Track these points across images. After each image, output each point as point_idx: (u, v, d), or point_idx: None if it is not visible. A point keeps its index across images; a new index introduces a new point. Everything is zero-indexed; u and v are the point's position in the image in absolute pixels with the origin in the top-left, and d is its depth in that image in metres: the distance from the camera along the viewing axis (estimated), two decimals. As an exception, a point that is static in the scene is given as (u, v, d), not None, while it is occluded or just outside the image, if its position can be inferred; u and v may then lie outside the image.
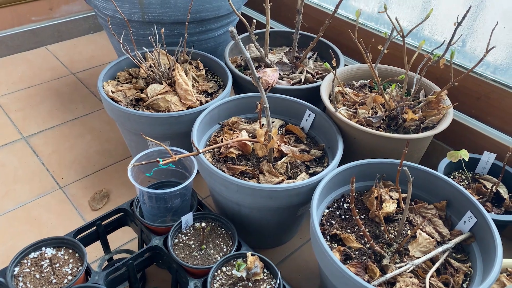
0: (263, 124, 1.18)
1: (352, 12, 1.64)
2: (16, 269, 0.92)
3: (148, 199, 1.05)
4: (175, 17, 1.42)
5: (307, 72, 1.45)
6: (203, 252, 1.00)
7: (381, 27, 1.56)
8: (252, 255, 0.93)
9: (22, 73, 1.96)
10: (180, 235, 1.03)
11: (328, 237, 0.98)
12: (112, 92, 1.33)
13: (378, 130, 1.17)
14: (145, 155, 1.09)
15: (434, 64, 1.15)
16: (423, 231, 0.97)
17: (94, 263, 1.19)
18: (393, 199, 1.04)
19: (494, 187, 1.17)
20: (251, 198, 1.03)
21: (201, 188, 1.45)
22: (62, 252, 0.96)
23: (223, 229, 1.06)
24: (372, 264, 0.89)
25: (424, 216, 1.02)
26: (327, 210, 1.04)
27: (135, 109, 1.28)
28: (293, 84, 1.40)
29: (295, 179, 1.10)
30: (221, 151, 1.16)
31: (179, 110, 1.27)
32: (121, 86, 1.37)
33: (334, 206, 1.05)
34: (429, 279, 0.87)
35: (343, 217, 1.03)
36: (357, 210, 1.04)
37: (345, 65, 1.47)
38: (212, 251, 1.00)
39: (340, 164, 1.08)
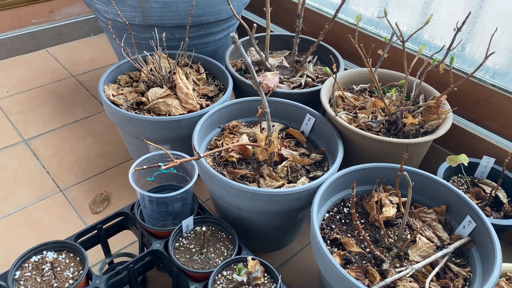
0: (263, 128, 1.18)
1: (352, 16, 1.65)
2: (17, 273, 0.92)
3: (149, 203, 1.06)
4: (176, 21, 1.42)
5: (307, 76, 1.45)
6: (203, 256, 1.00)
7: (381, 31, 1.57)
8: (253, 259, 0.94)
9: (23, 75, 1.96)
10: (180, 239, 1.03)
11: (328, 241, 0.98)
12: (113, 95, 1.33)
13: (378, 134, 1.17)
14: (146, 159, 1.10)
15: (433, 69, 1.15)
16: (422, 236, 0.98)
17: (95, 267, 1.19)
18: (393, 204, 1.04)
19: (493, 191, 1.17)
20: (251, 202, 1.04)
21: (201, 192, 1.46)
22: (63, 256, 0.96)
23: (223, 233, 1.06)
24: (372, 269, 0.90)
25: (424, 220, 1.02)
26: (327, 214, 1.04)
27: (136, 113, 1.29)
28: (293, 88, 1.40)
29: (296, 183, 1.11)
30: (221, 155, 1.17)
31: (180, 114, 1.27)
32: (122, 90, 1.37)
33: (334, 210, 1.05)
34: (429, 284, 0.88)
35: (343, 221, 1.03)
36: (357, 215, 1.05)
37: (345, 69, 1.47)
38: (212, 255, 1.01)
39: (340, 168, 1.09)
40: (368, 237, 0.99)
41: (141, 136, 1.26)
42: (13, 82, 1.91)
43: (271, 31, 1.48)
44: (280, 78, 1.44)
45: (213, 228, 1.07)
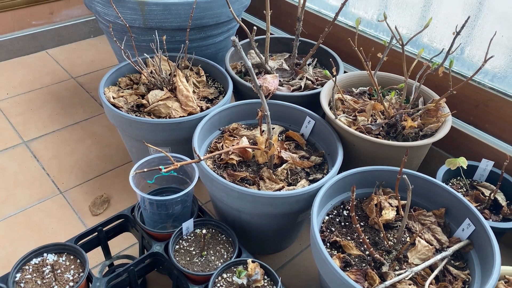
0: (263, 131, 1.19)
1: (352, 19, 1.65)
2: (18, 275, 0.92)
3: (149, 205, 1.06)
4: (176, 23, 1.43)
5: (307, 78, 1.46)
6: (203, 258, 1.00)
7: (381, 34, 1.58)
8: (253, 262, 0.94)
9: (23, 77, 1.96)
10: (181, 241, 1.04)
11: (328, 244, 0.99)
12: (114, 98, 1.34)
13: (377, 137, 1.18)
14: (146, 162, 1.10)
15: (433, 72, 1.16)
16: (422, 238, 0.98)
17: (95, 269, 1.19)
18: (392, 207, 1.05)
19: (492, 194, 1.18)
20: (251, 205, 1.04)
21: (201, 194, 1.46)
22: (64, 258, 0.96)
23: (223, 236, 1.06)
24: (372, 271, 0.90)
25: (423, 223, 1.03)
26: (327, 217, 1.05)
27: (136, 115, 1.29)
28: (293, 90, 1.41)
29: (295, 185, 1.11)
30: (221, 157, 1.17)
31: (180, 116, 1.28)
32: (122, 92, 1.38)
33: (334, 213, 1.06)
34: (428, 286, 0.88)
35: (343, 224, 1.04)
36: (356, 217, 1.05)
37: (345, 71, 1.48)
38: (212, 257, 1.01)
39: (339, 171, 1.09)
40: (368, 240, 1.00)
41: (142, 138, 1.26)
42: (13, 84, 1.91)
43: (271, 34, 1.49)
44: (280, 80, 1.44)
45: (213, 230, 1.07)
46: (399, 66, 1.28)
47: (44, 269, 0.93)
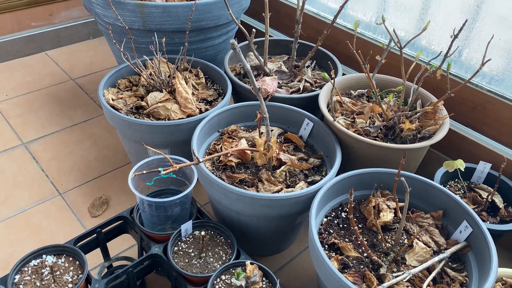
0: (262, 133, 1.19)
1: (350, 22, 1.66)
2: (17, 277, 0.92)
3: (148, 207, 1.06)
4: (175, 25, 1.43)
5: (306, 81, 1.46)
6: (202, 260, 1.01)
7: (379, 37, 1.58)
8: (251, 263, 0.94)
9: (22, 78, 1.97)
10: (179, 243, 1.04)
11: (326, 246, 0.99)
12: (113, 99, 1.34)
13: (375, 139, 1.18)
14: (145, 164, 1.10)
15: (431, 75, 1.17)
16: (419, 240, 0.99)
17: (94, 270, 1.19)
18: (390, 209, 1.05)
19: (490, 196, 1.19)
20: (250, 207, 1.05)
21: (200, 195, 1.46)
22: (63, 260, 0.97)
23: (222, 238, 1.07)
24: (370, 273, 0.91)
25: (421, 225, 1.03)
26: (325, 219, 1.05)
27: (135, 117, 1.30)
28: (291, 92, 1.41)
29: (294, 187, 1.11)
30: (220, 159, 1.18)
31: (179, 118, 1.28)
32: (122, 94, 1.38)
33: (332, 215, 1.06)
34: (426, 288, 0.89)
35: (341, 226, 1.04)
36: (354, 219, 1.05)
37: (343, 74, 1.49)
38: (211, 259, 1.01)
39: (338, 173, 1.10)
40: (366, 242, 1.00)
41: (141, 140, 1.26)
42: (12, 85, 1.92)
43: (270, 36, 1.49)
44: (278, 83, 1.45)
45: (212, 232, 1.07)
46: (397, 68, 1.28)
47: (43, 270, 0.94)
